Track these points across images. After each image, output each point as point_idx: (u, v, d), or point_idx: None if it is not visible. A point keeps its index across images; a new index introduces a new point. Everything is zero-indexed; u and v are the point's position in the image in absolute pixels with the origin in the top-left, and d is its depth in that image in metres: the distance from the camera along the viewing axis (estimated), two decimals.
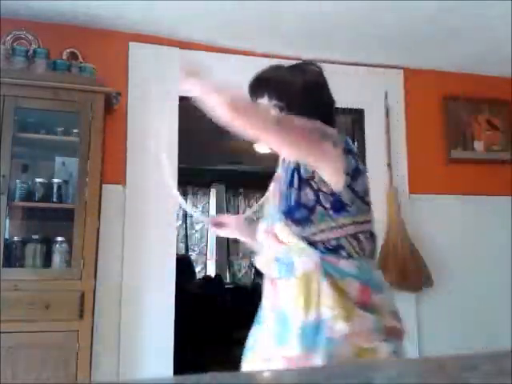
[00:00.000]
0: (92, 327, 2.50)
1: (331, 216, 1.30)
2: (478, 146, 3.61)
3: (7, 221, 2.53)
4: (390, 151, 3.39)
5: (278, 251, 1.33)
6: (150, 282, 2.88)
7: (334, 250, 1.29)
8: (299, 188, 1.32)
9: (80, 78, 2.69)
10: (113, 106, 2.86)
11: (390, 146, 3.40)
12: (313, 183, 1.31)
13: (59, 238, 2.58)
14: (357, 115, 3.47)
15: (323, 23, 2.96)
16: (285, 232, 1.30)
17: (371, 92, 3.43)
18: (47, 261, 2.56)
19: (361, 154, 3.45)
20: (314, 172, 1.31)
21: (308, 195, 1.31)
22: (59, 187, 2.66)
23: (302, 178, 1.33)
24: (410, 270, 3.12)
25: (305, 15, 2.86)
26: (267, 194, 1.52)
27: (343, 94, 3.57)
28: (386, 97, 3.44)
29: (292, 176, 1.35)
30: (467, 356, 0.59)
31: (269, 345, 1.33)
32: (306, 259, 1.28)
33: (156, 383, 0.59)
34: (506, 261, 3.42)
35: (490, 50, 3.30)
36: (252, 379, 0.58)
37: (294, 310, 1.27)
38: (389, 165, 3.36)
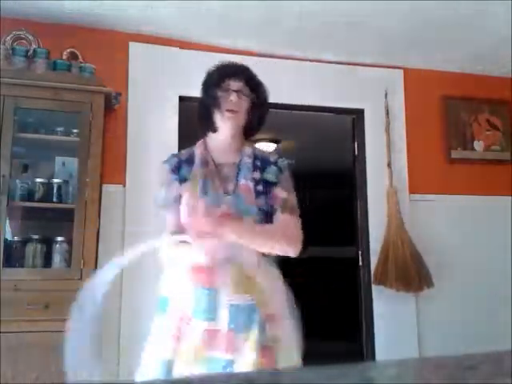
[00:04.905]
0: None
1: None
2: (478, 146, 3.61)
3: (7, 221, 2.53)
4: (390, 151, 3.39)
5: (222, 240, 1.42)
6: (150, 282, 2.87)
7: None
8: (266, 192, 1.53)
9: (80, 78, 2.69)
10: (113, 106, 2.86)
11: (390, 146, 3.40)
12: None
13: (59, 238, 2.58)
14: (357, 115, 3.48)
15: (323, 23, 2.96)
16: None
17: (371, 92, 3.43)
18: (47, 261, 2.56)
19: (361, 154, 3.45)
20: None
21: (269, 200, 1.52)
22: (59, 187, 2.66)
23: (266, 186, 1.53)
24: (409, 270, 3.12)
25: (305, 15, 2.86)
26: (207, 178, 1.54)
27: (343, 94, 3.59)
28: (385, 97, 3.44)
29: (259, 178, 1.53)
30: (467, 356, 0.59)
31: (185, 321, 1.44)
32: (250, 249, 1.44)
33: (156, 383, 0.59)
34: (505, 261, 3.42)
35: (490, 50, 3.30)
36: (252, 379, 0.58)
37: (232, 289, 1.42)
38: (389, 165, 3.36)
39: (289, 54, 3.30)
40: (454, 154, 3.56)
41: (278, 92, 3.34)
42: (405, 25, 3.00)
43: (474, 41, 3.19)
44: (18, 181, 2.59)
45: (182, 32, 3.04)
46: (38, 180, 2.64)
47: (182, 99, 3.06)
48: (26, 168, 2.70)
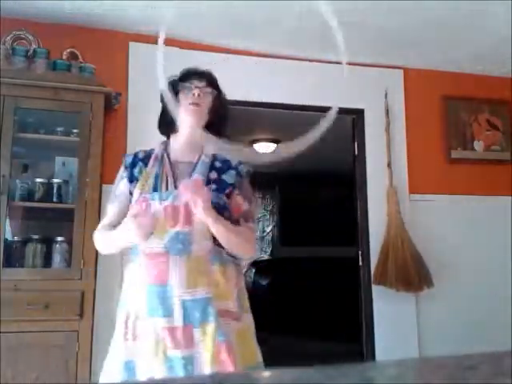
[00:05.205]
0: (92, 327, 2.50)
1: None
2: (478, 146, 3.61)
3: (7, 221, 2.53)
4: (390, 151, 3.39)
5: (177, 230, 1.45)
6: None
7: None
8: (220, 190, 1.55)
9: (80, 78, 2.69)
10: (113, 106, 2.86)
11: (390, 146, 3.40)
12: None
13: (59, 238, 2.58)
14: (357, 115, 3.47)
15: (323, 23, 2.95)
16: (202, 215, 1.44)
17: (371, 92, 3.43)
18: (47, 261, 2.56)
19: (361, 154, 3.45)
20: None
21: (223, 198, 1.55)
22: (59, 187, 2.66)
23: (222, 185, 1.57)
24: (409, 270, 3.12)
25: (305, 15, 2.86)
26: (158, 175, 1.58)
27: (343, 94, 3.58)
28: (385, 97, 3.44)
29: (215, 179, 1.57)
30: (467, 356, 0.59)
31: (143, 318, 1.45)
32: (204, 243, 1.46)
33: (156, 383, 0.59)
34: (505, 261, 3.42)
35: (490, 49, 3.30)
36: (252, 379, 0.58)
37: (185, 284, 1.42)
38: (389, 165, 3.36)
39: (289, 54, 3.30)
40: (454, 154, 3.56)
41: (278, 92, 3.36)
42: (405, 25, 3.00)
43: (474, 41, 3.19)
44: (17, 181, 2.59)
45: (182, 32, 3.04)
46: (38, 180, 2.64)
47: None
48: (26, 168, 2.70)
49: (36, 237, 2.58)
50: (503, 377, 0.52)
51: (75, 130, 2.68)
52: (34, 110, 2.63)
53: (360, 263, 3.39)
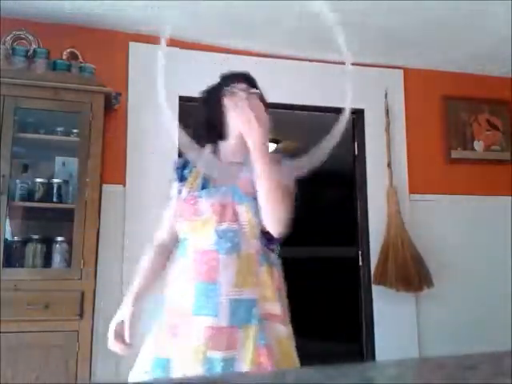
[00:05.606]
0: (92, 327, 2.50)
1: None
2: (478, 146, 3.61)
3: (7, 221, 2.53)
4: (390, 151, 3.39)
5: (225, 227, 1.45)
6: None
7: (268, 240, 1.48)
8: None
9: (80, 78, 2.69)
10: (113, 106, 2.86)
11: (390, 146, 3.40)
12: None
13: (59, 238, 2.58)
14: (357, 115, 3.48)
15: (323, 23, 2.95)
16: (249, 213, 1.43)
17: (371, 92, 3.43)
18: (47, 261, 2.56)
19: (361, 154, 3.45)
20: None
21: None
22: (59, 187, 2.66)
23: None
24: (410, 270, 3.12)
25: (305, 15, 2.86)
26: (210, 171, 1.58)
27: (343, 94, 3.58)
28: (385, 97, 3.44)
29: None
30: (467, 356, 0.59)
31: (184, 314, 1.44)
32: (253, 242, 1.45)
33: (156, 383, 0.59)
34: (506, 261, 3.42)
35: (490, 49, 3.30)
36: (252, 379, 0.58)
37: (233, 284, 1.41)
38: (389, 165, 3.36)
39: (289, 54, 3.30)
40: (454, 154, 3.56)
41: (278, 92, 3.36)
42: (405, 25, 3.00)
43: (474, 41, 3.19)
44: (17, 181, 2.59)
45: (182, 32, 3.04)
46: (38, 180, 2.64)
47: (181, 99, 3.05)
48: (26, 168, 2.70)
49: (36, 237, 2.58)
50: (503, 377, 0.52)
51: (75, 130, 2.68)
52: (33, 110, 2.63)
53: (360, 263, 3.39)
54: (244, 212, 1.45)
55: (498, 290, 3.38)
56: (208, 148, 1.63)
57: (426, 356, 3.13)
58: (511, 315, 3.28)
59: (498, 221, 3.52)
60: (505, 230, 3.49)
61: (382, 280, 3.14)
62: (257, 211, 1.43)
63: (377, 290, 3.23)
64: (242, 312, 1.40)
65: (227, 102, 1.55)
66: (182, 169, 1.61)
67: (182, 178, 1.59)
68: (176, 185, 1.60)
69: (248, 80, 1.63)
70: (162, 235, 1.64)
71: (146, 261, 1.62)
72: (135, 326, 1.50)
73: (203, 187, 1.52)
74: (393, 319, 3.23)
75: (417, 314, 3.28)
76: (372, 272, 3.22)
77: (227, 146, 1.61)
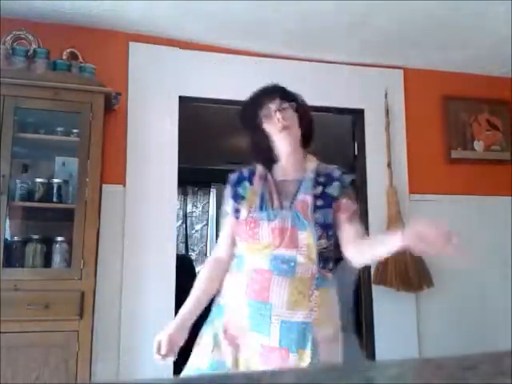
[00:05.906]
0: (92, 327, 2.50)
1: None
2: (478, 146, 3.61)
3: (7, 221, 2.53)
4: (390, 151, 3.39)
5: (283, 251, 1.45)
6: (150, 282, 2.88)
7: (325, 261, 1.51)
8: (327, 206, 1.52)
9: (80, 78, 2.69)
10: (113, 106, 2.86)
11: (390, 146, 3.40)
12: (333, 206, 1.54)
13: (59, 238, 2.58)
14: (357, 115, 3.47)
15: (323, 23, 2.96)
16: (310, 239, 1.45)
17: (371, 92, 3.43)
18: (47, 261, 2.56)
19: (361, 154, 3.45)
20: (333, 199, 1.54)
21: (330, 214, 1.52)
22: (59, 187, 2.66)
23: (328, 201, 1.53)
24: (409, 269, 3.12)
25: (305, 15, 2.86)
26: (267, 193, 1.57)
27: (343, 94, 3.58)
28: (385, 97, 3.44)
29: (320, 193, 1.53)
30: (467, 356, 0.59)
31: (241, 329, 1.45)
32: (309, 266, 1.46)
33: (156, 383, 0.59)
34: (506, 261, 3.42)
35: (490, 50, 3.30)
36: (252, 379, 0.58)
37: (285, 305, 1.41)
38: (389, 165, 3.36)
39: (289, 54, 3.30)
40: (454, 154, 3.56)
41: None
42: (405, 25, 3.00)
43: (474, 41, 3.19)
44: (17, 181, 2.59)
45: (182, 32, 3.04)
46: (38, 180, 2.64)
47: (181, 99, 3.05)
48: (26, 168, 2.70)
49: (36, 237, 2.58)
50: (503, 377, 0.52)
51: (75, 130, 2.68)
52: (33, 110, 2.63)
53: None
54: (304, 239, 1.46)
55: (497, 289, 3.38)
56: (260, 167, 1.63)
57: (426, 356, 3.13)
58: (511, 315, 3.28)
59: (498, 221, 3.52)
60: (505, 230, 3.49)
61: (382, 280, 3.14)
62: (316, 237, 1.46)
63: (377, 290, 3.23)
64: (294, 335, 1.40)
65: (267, 127, 1.56)
66: (236, 186, 1.61)
67: (237, 196, 1.59)
68: (231, 202, 1.60)
69: (279, 92, 1.60)
70: (219, 252, 1.64)
71: (202, 277, 1.62)
72: (173, 345, 1.51)
73: (261, 208, 1.52)
74: (393, 319, 3.23)
75: (417, 314, 3.28)
76: (372, 272, 3.22)
77: (279, 165, 1.62)
